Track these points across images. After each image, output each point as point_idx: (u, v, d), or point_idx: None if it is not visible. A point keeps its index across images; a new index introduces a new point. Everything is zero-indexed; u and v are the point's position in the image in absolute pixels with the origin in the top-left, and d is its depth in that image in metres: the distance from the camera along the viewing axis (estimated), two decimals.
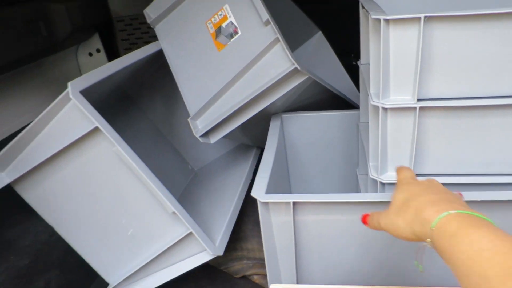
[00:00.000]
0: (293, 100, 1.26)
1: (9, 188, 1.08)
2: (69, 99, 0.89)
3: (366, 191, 1.12)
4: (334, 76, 1.70)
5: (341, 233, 0.85)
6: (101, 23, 2.03)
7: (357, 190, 1.33)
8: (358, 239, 0.84)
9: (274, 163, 1.01)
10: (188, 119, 1.20)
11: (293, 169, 1.37)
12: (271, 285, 0.82)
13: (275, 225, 0.88)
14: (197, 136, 1.20)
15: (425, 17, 0.75)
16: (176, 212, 0.96)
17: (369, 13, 0.83)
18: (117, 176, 0.96)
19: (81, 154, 0.96)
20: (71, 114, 0.90)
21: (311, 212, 0.84)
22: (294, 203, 0.83)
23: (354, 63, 2.09)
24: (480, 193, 0.75)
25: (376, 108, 0.85)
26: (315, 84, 1.19)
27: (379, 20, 0.78)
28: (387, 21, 0.77)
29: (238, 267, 1.21)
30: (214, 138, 1.22)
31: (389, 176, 0.90)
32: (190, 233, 0.98)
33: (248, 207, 1.34)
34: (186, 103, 1.23)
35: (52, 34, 1.69)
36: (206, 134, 1.22)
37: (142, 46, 2.05)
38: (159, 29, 1.33)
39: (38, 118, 0.95)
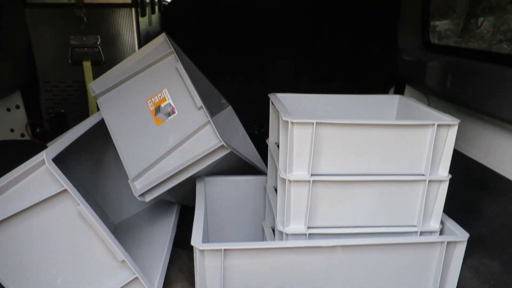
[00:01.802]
0: (213, 167, 1.56)
1: None
2: (43, 165, 1.08)
3: (273, 240, 1.45)
4: (242, 143, 2.07)
5: (263, 275, 1.15)
6: (26, 82, 2.14)
7: (263, 239, 1.66)
8: (275, 280, 1.15)
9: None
10: (129, 181, 1.42)
11: (212, 222, 1.65)
12: None
13: (208, 269, 1.16)
14: (136, 195, 1.42)
15: (316, 122, 1.14)
16: (125, 260, 1.17)
17: (280, 114, 1.20)
18: (74, 230, 1.15)
19: (43, 211, 1.12)
20: (42, 178, 1.09)
21: (238, 257, 1.14)
22: (225, 250, 1.12)
23: (256, 132, 2.52)
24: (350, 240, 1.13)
25: (283, 179, 1.21)
26: (232, 156, 1.52)
27: (287, 121, 1.15)
28: (292, 123, 1.14)
29: None
30: (149, 197, 1.45)
31: (291, 228, 1.25)
32: (136, 278, 1.19)
33: (171, 256, 1.57)
34: (125, 167, 1.46)
35: None
36: (142, 194, 1.44)
37: (67, 106, 2.20)
38: (101, 102, 1.55)
39: (4, 180, 1.10)
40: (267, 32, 2.46)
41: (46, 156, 1.08)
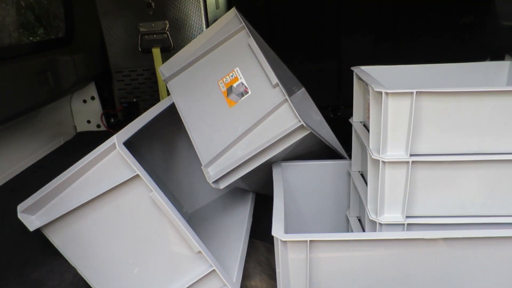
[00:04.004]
0: (291, 151, 1.43)
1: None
2: (114, 149, 1.01)
3: (359, 231, 1.29)
4: (319, 127, 1.91)
5: (353, 269, 1.00)
6: (99, 73, 2.16)
7: (347, 229, 1.50)
8: (368, 275, 1.00)
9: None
10: (202, 167, 1.34)
11: (290, 211, 1.52)
12: None
13: (291, 262, 1.02)
14: (210, 182, 1.33)
15: (416, 92, 0.96)
16: (201, 251, 1.08)
17: (369, 86, 1.03)
18: (148, 218, 1.08)
19: (116, 198, 1.06)
20: (114, 163, 1.02)
21: (325, 249, 0.99)
22: (310, 241, 0.98)
23: (332, 115, 2.35)
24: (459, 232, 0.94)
25: (376, 161, 1.04)
26: (311, 137, 1.37)
27: (380, 92, 0.98)
28: (387, 93, 0.97)
29: None
30: (223, 184, 1.36)
31: (386, 217, 1.08)
32: (213, 271, 1.10)
33: (248, 248, 1.46)
34: (198, 153, 1.37)
35: (58, 84, 1.80)
36: (216, 181, 1.35)
37: (139, 95, 2.19)
38: (171, 85, 1.48)
39: (77, 166, 1.05)
40: (341, 5, 2.26)
41: (117, 140, 1.02)
